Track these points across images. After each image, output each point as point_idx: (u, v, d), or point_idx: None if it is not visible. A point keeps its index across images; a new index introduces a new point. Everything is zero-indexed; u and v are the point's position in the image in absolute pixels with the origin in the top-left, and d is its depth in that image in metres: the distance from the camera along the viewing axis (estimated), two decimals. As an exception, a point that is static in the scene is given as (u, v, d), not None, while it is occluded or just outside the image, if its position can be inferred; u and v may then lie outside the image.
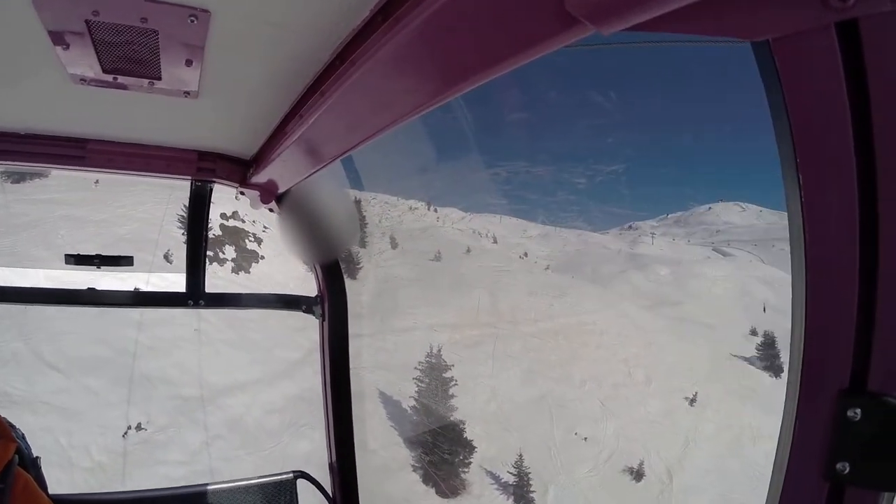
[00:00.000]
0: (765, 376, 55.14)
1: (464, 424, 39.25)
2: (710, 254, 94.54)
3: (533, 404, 46.73)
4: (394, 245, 68.58)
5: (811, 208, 0.77)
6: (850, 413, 0.80)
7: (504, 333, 52.88)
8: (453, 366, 41.14)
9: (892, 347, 0.79)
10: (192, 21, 1.21)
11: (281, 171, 2.15)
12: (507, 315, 55.18)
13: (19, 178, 44.86)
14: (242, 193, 2.62)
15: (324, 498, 3.08)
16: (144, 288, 2.79)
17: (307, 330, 36.54)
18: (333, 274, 2.95)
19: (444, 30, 0.91)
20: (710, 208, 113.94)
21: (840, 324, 0.80)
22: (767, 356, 56.59)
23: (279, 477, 3.04)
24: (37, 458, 2.23)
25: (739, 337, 62.90)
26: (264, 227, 53.67)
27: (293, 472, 3.08)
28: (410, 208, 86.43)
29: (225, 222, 52.37)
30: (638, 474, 42.15)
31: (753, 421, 46.16)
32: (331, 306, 2.95)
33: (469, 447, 38.66)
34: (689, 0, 0.62)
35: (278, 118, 1.81)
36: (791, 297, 0.86)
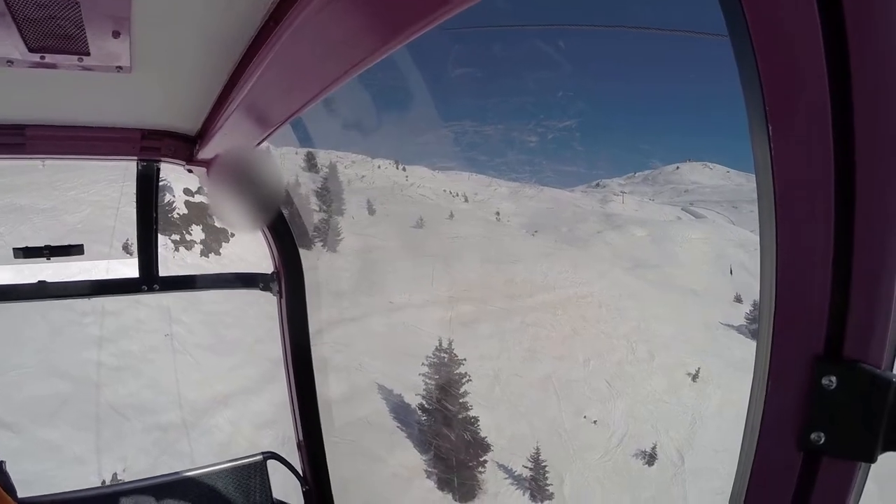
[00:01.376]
0: (754, 345, 54.53)
1: (477, 423, 35.74)
2: (681, 214, 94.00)
3: (538, 386, 44.04)
4: (371, 210, 63.20)
5: (781, 161, 0.70)
6: (824, 381, 0.74)
7: (501, 309, 49.36)
8: (465, 360, 37.08)
9: (868, 311, 0.73)
10: None
11: (227, 143, 2.08)
12: (501, 288, 51.54)
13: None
14: (190, 171, 2.56)
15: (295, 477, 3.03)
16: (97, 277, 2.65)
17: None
18: (288, 249, 2.86)
19: None
20: (677, 168, 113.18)
21: (814, 286, 0.74)
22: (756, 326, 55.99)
23: (249, 459, 3.02)
24: (2, 462, 2.20)
25: (726, 304, 62.34)
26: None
27: (263, 453, 3.06)
28: (378, 167, 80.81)
29: (190, 199, 46.12)
30: (650, 458, 40.56)
31: (754, 395, 45.34)
32: (287, 282, 2.88)
33: (484, 446, 35.45)
34: None
35: (219, 88, 1.71)
36: (760, 257, 0.78)
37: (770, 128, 0.69)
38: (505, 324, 48.11)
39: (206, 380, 31.84)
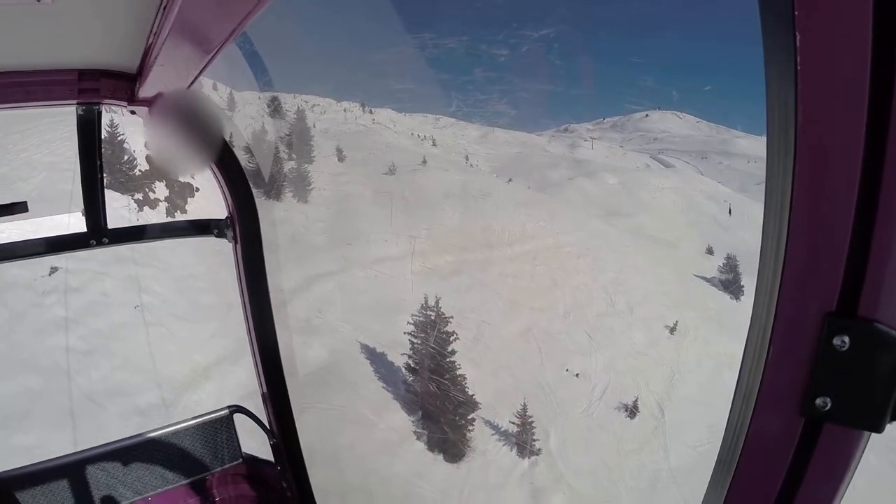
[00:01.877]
0: (727, 299, 55.11)
1: (464, 381, 34.26)
2: (650, 162, 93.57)
3: (520, 338, 42.94)
4: (340, 157, 59.31)
5: (809, 79, 0.63)
6: (836, 341, 0.68)
7: (480, 259, 47.49)
8: (452, 317, 35.12)
9: (890, 266, 0.66)
10: None
11: (168, 77, 1.97)
12: (479, 237, 49.52)
13: None
14: (133, 112, 2.45)
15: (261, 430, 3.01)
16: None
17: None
18: (242, 193, 2.73)
19: None
20: (647, 115, 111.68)
21: (832, 234, 0.67)
22: (729, 280, 56.41)
23: (216, 414, 3.03)
24: None
25: (698, 255, 62.63)
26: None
27: (229, 406, 3.09)
28: (345, 110, 76.24)
29: (150, 152, 41.44)
30: (631, 411, 40.47)
31: (727, 348, 45.77)
32: (242, 227, 2.75)
33: (472, 404, 34.15)
34: None
35: (152, 14, 1.58)
36: (764, 205, 0.72)
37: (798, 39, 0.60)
38: (484, 275, 46.38)
39: (184, 351, 29.16)
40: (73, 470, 2.69)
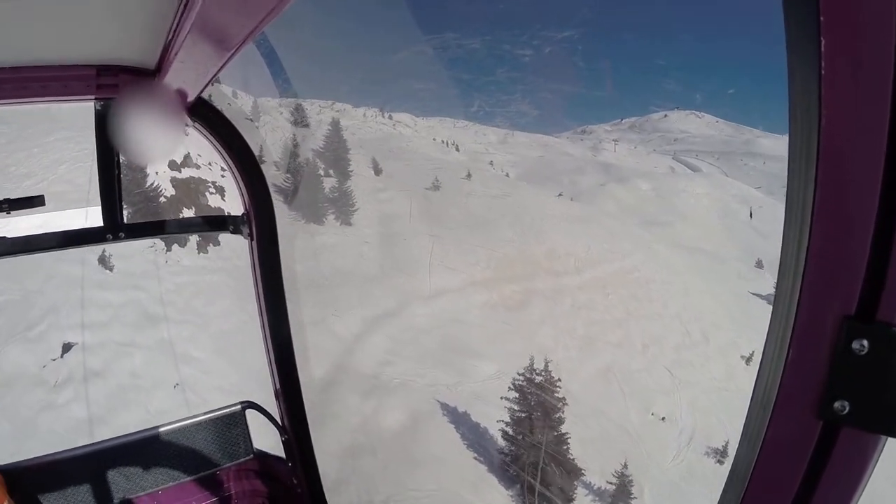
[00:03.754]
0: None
1: (567, 446, 30.63)
2: (674, 164, 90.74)
3: (601, 379, 39.58)
4: (377, 170, 54.79)
5: (832, 86, 0.63)
6: (855, 345, 0.67)
7: (548, 289, 43.74)
8: (560, 380, 31.19)
9: None
10: None
11: (187, 73, 1.95)
12: (543, 263, 45.71)
13: None
14: None
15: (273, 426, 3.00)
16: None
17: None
18: (259, 189, 2.71)
19: None
20: (665, 115, 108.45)
21: (853, 237, 0.67)
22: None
23: (228, 409, 3.02)
24: None
25: (748, 270, 60.08)
26: (223, 169, 38.49)
27: (241, 403, 3.05)
28: (364, 115, 71.68)
29: (176, 174, 36.77)
30: (722, 455, 37.50)
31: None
32: (258, 224, 2.73)
33: (576, 471, 30.64)
34: None
35: (172, 9, 1.58)
36: (785, 208, 0.73)
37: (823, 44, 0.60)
38: (555, 306, 42.76)
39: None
40: (84, 462, 2.69)
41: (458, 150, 75.02)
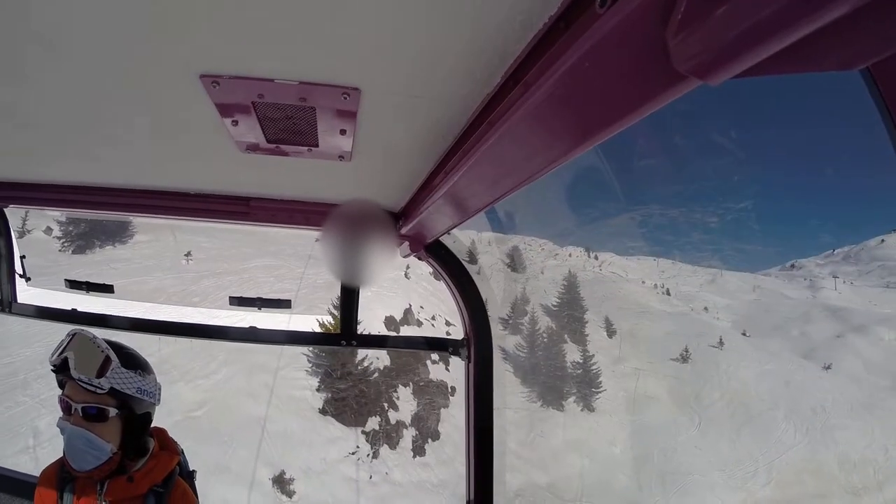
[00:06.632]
0: None
1: None
2: (914, 305, 78.97)
3: None
4: (610, 331, 52.46)
5: None
6: None
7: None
8: None
9: None
10: (345, 98, 1.33)
11: (427, 222, 2.22)
12: (837, 475, 39.18)
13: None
14: None
15: None
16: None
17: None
18: (480, 317, 2.99)
19: (567, 93, 0.97)
20: (882, 241, 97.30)
21: None
22: None
23: None
24: (193, 471, 2.37)
25: None
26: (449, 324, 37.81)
27: None
28: (570, 255, 71.16)
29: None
30: None
31: None
32: (477, 349, 2.98)
33: None
34: (787, 43, 0.60)
35: (423, 176, 1.88)
36: None
37: None
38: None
39: None
40: None
41: (668, 293, 71.35)
